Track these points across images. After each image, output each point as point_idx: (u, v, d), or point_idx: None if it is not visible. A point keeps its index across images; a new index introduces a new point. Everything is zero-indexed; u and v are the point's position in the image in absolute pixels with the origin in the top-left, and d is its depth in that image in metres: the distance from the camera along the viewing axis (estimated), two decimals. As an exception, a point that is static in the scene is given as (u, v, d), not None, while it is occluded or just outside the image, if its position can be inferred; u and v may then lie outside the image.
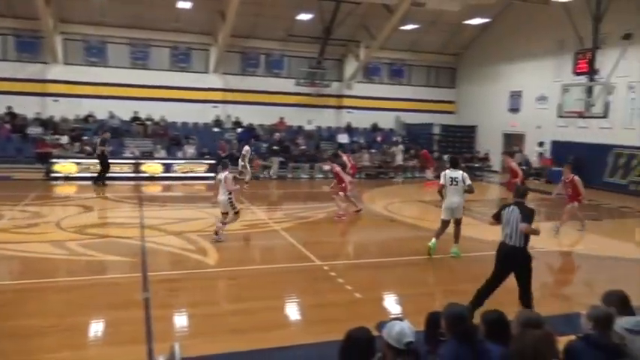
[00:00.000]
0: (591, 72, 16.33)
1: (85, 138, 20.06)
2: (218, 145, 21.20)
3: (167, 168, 19.30)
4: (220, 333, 5.89)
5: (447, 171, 9.63)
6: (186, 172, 19.60)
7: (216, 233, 10.05)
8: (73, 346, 5.52)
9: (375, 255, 10.29)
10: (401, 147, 22.66)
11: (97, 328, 6.11)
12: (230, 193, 10.06)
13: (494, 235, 10.91)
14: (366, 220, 13.28)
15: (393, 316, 5.44)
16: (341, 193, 13.21)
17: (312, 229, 11.93)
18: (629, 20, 15.89)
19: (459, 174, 9.43)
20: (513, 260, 6.17)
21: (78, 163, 18.42)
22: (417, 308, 5.61)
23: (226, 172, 10.19)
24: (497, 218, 6.45)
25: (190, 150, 20.62)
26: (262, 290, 7.53)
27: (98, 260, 8.77)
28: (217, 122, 23.59)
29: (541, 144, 22.28)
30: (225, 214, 10.18)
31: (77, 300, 6.84)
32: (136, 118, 22.18)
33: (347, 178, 13.44)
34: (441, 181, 9.55)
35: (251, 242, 10.69)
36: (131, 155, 19.68)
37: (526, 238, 6.09)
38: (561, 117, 18.16)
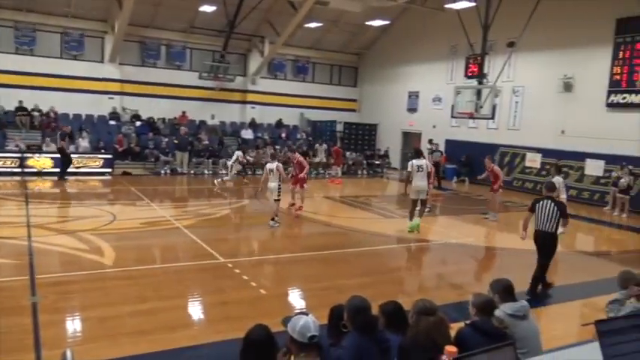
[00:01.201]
0: (480, 76, 17.49)
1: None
2: (115, 139, 20.16)
3: (57, 162, 17.96)
4: (120, 336, 5.62)
5: (414, 160, 11.28)
6: (80, 167, 18.39)
7: (273, 219, 11.39)
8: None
9: (279, 251, 10.33)
10: (325, 146, 23.08)
11: (-24, 337, 5.57)
12: (280, 181, 11.33)
13: (395, 230, 11.54)
14: (270, 216, 13.27)
15: (297, 311, 5.51)
16: (305, 186, 13.41)
17: (215, 226, 11.74)
18: (513, 30, 17.26)
19: (423, 162, 11.34)
20: (545, 241, 7.49)
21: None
22: (322, 302, 5.74)
23: (276, 162, 11.41)
24: (532, 210, 7.62)
25: (84, 143, 19.33)
26: (165, 290, 7.29)
27: (-23, 263, 8.01)
28: (114, 115, 22.37)
29: (430, 141, 23.53)
30: (277, 200, 11.40)
31: (-48, 308, 6.19)
32: (20, 109, 20.39)
33: (306, 168, 13.51)
34: (409, 169, 11.26)
35: (151, 240, 10.28)
36: (16, 149, 18.08)
37: (557, 225, 7.37)
38: (454, 117, 19.33)
